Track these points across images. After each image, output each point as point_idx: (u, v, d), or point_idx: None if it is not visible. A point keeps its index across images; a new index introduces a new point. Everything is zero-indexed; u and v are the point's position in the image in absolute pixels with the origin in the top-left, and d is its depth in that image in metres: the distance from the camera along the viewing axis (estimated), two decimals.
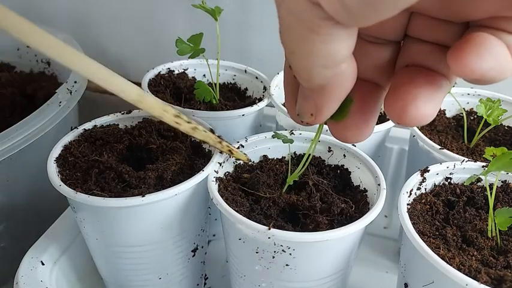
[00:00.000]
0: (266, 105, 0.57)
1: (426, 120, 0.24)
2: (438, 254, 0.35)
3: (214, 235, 0.62)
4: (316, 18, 0.19)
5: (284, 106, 0.55)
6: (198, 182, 0.42)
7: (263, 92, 0.61)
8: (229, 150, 0.43)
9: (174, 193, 0.40)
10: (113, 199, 0.39)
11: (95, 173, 0.43)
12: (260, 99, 0.58)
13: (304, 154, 0.49)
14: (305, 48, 0.21)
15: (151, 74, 0.61)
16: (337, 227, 0.37)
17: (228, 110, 0.55)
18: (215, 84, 0.59)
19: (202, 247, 0.50)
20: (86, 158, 0.45)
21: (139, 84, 0.59)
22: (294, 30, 0.20)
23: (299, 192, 0.44)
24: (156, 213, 0.41)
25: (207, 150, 0.48)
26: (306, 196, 0.43)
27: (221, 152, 0.44)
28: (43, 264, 0.46)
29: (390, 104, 0.24)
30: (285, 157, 0.49)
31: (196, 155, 0.48)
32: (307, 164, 0.42)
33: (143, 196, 0.39)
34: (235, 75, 0.66)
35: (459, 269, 0.34)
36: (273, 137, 0.48)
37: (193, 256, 0.48)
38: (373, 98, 0.28)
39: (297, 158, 0.49)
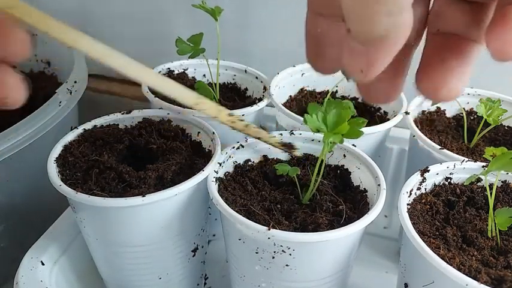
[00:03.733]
0: (266, 105, 0.57)
1: (457, 96, 0.26)
2: (438, 254, 0.35)
3: (214, 235, 0.62)
4: None
5: (284, 106, 0.55)
6: (198, 182, 0.42)
7: (263, 92, 0.61)
8: (284, 145, 0.45)
9: (174, 193, 0.40)
10: (113, 199, 0.39)
11: (95, 173, 0.43)
12: (260, 99, 0.58)
13: (304, 154, 0.49)
14: None
15: None
16: (337, 228, 0.37)
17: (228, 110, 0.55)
18: (215, 84, 0.59)
19: (203, 247, 0.50)
20: (86, 158, 0.45)
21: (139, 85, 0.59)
22: None
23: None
24: (156, 213, 0.41)
25: (207, 150, 0.48)
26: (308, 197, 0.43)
27: (279, 148, 0.45)
28: (43, 264, 0.46)
29: (422, 83, 0.26)
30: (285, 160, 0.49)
31: (196, 155, 0.48)
32: (317, 184, 0.43)
33: (143, 196, 0.39)
34: (235, 75, 0.66)
35: (459, 269, 0.34)
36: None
37: (193, 256, 0.48)
38: (404, 55, 0.27)
39: (297, 159, 0.49)
